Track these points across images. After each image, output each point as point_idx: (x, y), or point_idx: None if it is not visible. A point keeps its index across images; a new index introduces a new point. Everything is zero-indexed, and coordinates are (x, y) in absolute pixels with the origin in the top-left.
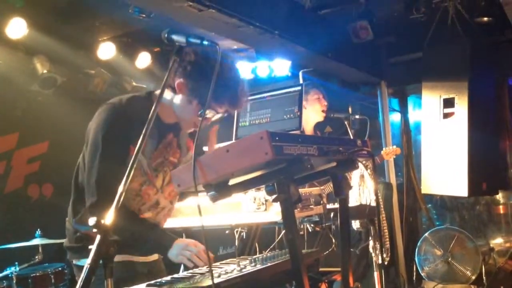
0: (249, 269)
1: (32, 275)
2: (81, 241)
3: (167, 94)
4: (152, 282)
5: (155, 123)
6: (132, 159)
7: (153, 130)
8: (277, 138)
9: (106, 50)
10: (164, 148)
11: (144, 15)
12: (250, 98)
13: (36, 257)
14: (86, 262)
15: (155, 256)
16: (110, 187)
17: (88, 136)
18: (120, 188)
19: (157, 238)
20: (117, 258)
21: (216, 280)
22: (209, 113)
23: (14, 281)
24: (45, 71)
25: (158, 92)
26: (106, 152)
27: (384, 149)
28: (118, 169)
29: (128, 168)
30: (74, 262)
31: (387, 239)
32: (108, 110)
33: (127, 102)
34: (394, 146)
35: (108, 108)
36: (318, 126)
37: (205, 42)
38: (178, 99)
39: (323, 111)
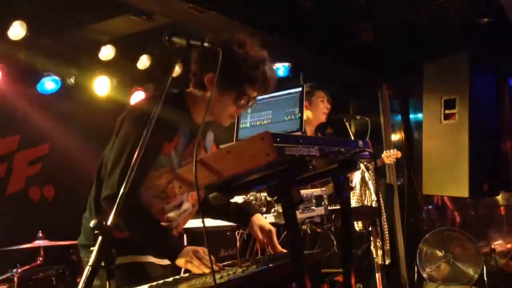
0: (251, 270)
1: (33, 277)
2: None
3: (198, 93)
4: (154, 284)
5: (187, 123)
6: (135, 157)
7: (185, 129)
8: (278, 139)
9: (107, 52)
10: (193, 149)
11: (145, 17)
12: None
13: (38, 259)
14: (88, 263)
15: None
16: (132, 183)
17: (119, 128)
18: (123, 187)
19: (167, 243)
20: (138, 259)
21: (218, 281)
22: (243, 100)
23: (16, 283)
24: (46, 72)
25: (189, 90)
26: (136, 148)
27: (384, 152)
28: (145, 167)
29: (131, 167)
30: (87, 260)
31: (387, 241)
32: (142, 106)
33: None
34: (395, 150)
35: (142, 103)
36: (319, 127)
37: (206, 44)
38: (210, 94)
39: (325, 113)
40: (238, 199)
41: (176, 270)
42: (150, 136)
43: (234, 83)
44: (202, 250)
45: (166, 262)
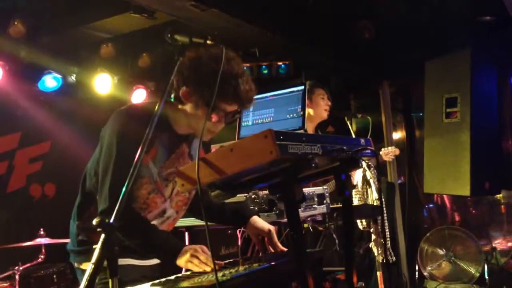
0: (253, 268)
1: (34, 275)
2: (83, 244)
3: (178, 105)
4: (156, 281)
5: (168, 133)
6: (133, 166)
7: (165, 140)
8: (281, 137)
9: (108, 50)
10: (176, 159)
11: (146, 15)
12: (238, 112)
13: (39, 256)
14: (91, 261)
15: (156, 260)
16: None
17: (103, 140)
18: (123, 193)
19: (166, 243)
20: (121, 262)
21: (221, 279)
22: (218, 115)
23: (17, 281)
24: (48, 70)
25: (173, 101)
26: (120, 159)
27: (383, 149)
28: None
29: (129, 175)
30: (77, 265)
31: (388, 239)
32: (123, 117)
33: (142, 109)
34: (393, 147)
35: (123, 114)
36: (319, 125)
37: (209, 42)
38: (187, 108)
39: (326, 110)
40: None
41: (164, 269)
42: (131, 150)
43: (205, 97)
44: (201, 249)
45: (150, 262)
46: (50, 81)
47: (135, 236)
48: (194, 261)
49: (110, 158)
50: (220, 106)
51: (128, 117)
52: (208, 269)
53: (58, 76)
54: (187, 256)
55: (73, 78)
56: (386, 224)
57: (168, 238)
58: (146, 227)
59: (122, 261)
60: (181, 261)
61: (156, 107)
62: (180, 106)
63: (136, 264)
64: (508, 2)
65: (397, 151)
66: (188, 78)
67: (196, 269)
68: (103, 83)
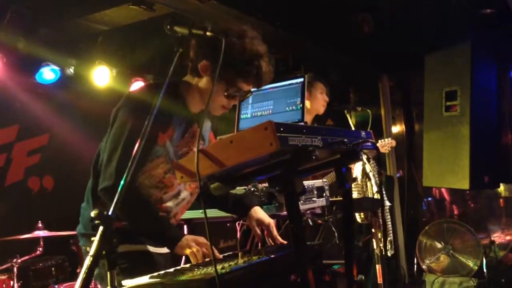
0: (252, 261)
1: (33, 267)
2: (97, 228)
3: (192, 80)
4: (155, 274)
5: (184, 112)
6: (137, 147)
7: (181, 119)
8: (281, 129)
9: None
10: (190, 138)
11: (145, 7)
12: (251, 90)
13: (37, 249)
14: (89, 253)
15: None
16: (131, 174)
17: (114, 119)
18: (126, 175)
19: (166, 231)
20: (136, 247)
21: (220, 272)
22: (236, 92)
23: (15, 273)
24: (45, 62)
25: (185, 78)
26: (133, 137)
27: (379, 141)
28: (142, 157)
29: (131, 157)
30: (88, 250)
31: (390, 231)
32: (138, 95)
33: (156, 88)
34: (389, 139)
35: (137, 93)
36: (319, 119)
37: (208, 33)
38: (203, 82)
39: (323, 105)
40: (238, 189)
41: (175, 258)
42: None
43: (225, 75)
44: (202, 240)
45: (163, 250)
46: (48, 74)
47: (136, 219)
48: (194, 250)
49: (121, 135)
50: (238, 84)
51: (143, 95)
52: (207, 259)
53: (56, 68)
54: (188, 245)
55: (71, 70)
56: (388, 217)
57: (169, 225)
58: (148, 211)
59: (140, 247)
60: (180, 250)
61: (156, 103)
62: (195, 80)
63: (152, 252)
64: None
65: (393, 143)
66: (209, 53)
67: (194, 259)
68: (101, 76)
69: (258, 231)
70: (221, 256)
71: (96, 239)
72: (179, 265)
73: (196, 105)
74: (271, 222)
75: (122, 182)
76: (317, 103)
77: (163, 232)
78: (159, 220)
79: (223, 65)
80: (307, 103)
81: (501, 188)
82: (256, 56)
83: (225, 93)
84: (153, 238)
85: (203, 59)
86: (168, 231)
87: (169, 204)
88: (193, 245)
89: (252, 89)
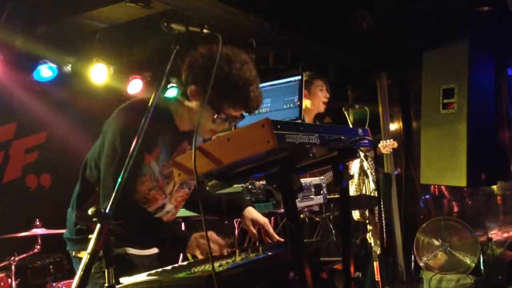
0: (250, 258)
1: (31, 266)
2: (81, 233)
3: (183, 101)
4: (153, 271)
5: (171, 131)
6: (127, 160)
7: (168, 138)
8: (279, 126)
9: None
10: (177, 156)
11: (142, 4)
12: (244, 114)
13: (35, 247)
14: (86, 251)
15: (155, 250)
16: (126, 192)
17: (106, 135)
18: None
19: (173, 233)
20: (117, 251)
21: (217, 269)
22: (224, 118)
23: (13, 271)
24: (43, 60)
25: (178, 97)
26: (124, 156)
27: (381, 142)
28: (135, 175)
29: (123, 170)
30: (74, 254)
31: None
32: (127, 113)
33: (145, 104)
34: (392, 140)
35: (127, 110)
36: (317, 117)
37: (205, 30)
38: (193, 105)
39: (324, 102)
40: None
41: (164, 258)
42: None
43: (212, 100)
44: (210, 233)
45: (149, 252)
46: (45, 71)
47: (141, 230)
48: (204, 246)
49: (114, 155)
50: (226, 110)
51: (131, 114)
52: (218, 254)
53: (54, 66)
54: (198, 242)
55: (68, 68)
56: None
57: (174, 228)
58: (151, 220)
59: (121, 251)
60: (191, 249)
61: (151, 101)
62: (186, 103)
63: (135, 254)
64: None
65: (396, 144)
66: (198, 78)
67: (204, 255)
68: (99, 73)
69: (254, 231)
70: (229, 250)
71: (93, 237)
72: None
73: (184, 123)
74: (266, 221)
75: (113, 196)
76: (317, 100)
77: (171, 235)
78: (164, 224)
79: (210, 91)
80: (307, 103)
81: (498, 185)
82: (244, 82)
83: (214, 118)
84: (161, 243)
85: (192, 83)
86: (175, 233)
87: None
88: (203, 244)
89: (245, 114)
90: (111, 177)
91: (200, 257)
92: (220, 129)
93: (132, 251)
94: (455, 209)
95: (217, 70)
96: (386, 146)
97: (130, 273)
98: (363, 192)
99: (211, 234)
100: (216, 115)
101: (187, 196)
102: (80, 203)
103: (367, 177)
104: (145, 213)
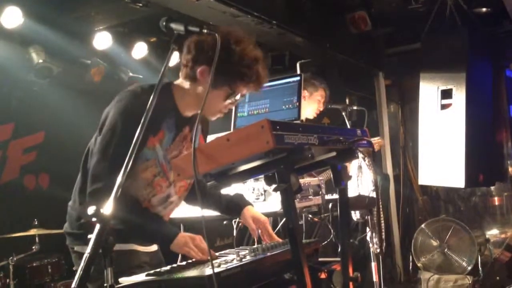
0: (249, 258)
1: (29, 266)
2: (83, 228)
3: (187, 85)
4: (152, 271)
5: (174, 116)
6: (131, 149)
7: (171, 122)
8: (278, 127)
9: (102, 40)
10: (180, 141)
11: (141, 4)
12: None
13: (33, 247)
14: (86, 252)
15: (155, 247)
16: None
17: (105, 120)
18: (120, 177)
19: (161, 229)
20: (121, 247)
21: (216, 270)
22: (236, 96)
23: (11, 272)
24: (40, 61)
25: (177, 82)
26: (123, 139)
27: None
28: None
29: (127, 157)
30: (75, 248)
31: (383, 230)
32: (128, 97)
33: (148, 90)
34: (378, 138)
35: (128, 95)
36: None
37: (205, 31)
38: (200, 87)
39: (316, 113)
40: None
41: (163, 255)
42: (135, 131)
43: (228, 80)
44: (199, 238)
45: (151, 249)
46: (44, 71)
47: (128, 218)
48: (190, 246)
49: (112, 138)
50: (239, 89)
51: (134, 97)
52: (203, 257)
53: (51, 65)
54: (184, 241)
55: (66, 67)
56: (381, 215)
57: (164, 223)
58: (140, 210)
59: (126, 247)
60: (177, 247)
61: (155, 89)
62: (188, 85)
63: (139, 250)
64: None
65: (382, 142)
66: (210, 57)
67: (191, 255)
68: (96, 73)
69: (253, 226)
70: (216, 254)
71: (92, 237)
72: (164, 264)
73: (188, 109)
74: (266, 220)
75: (117, 183)
76: (312, 108)
77: (157, 229)
78: (153, 218)
79: (225, 71)
80: (304, 103)
81: (496, 186)
82: (254, 60)
83: (226, 98)
84: (147, 235)
85: (202, 63)
86: (162, 228)
87: (158, 207)
88: (190, 246)
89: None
90: (107, 160)
91: (192, 255)
92: (227, 110)
93: (136, 247)
94: (453, 210)
95: (229, 50)
96: (374, 143)
97: (135, 269)
98: (361, 193)
99: (200, 238)
100: (229, 94)
101: (189, 186)
102: (83, 197)
103: (366, 177)
104: (137, 204)
